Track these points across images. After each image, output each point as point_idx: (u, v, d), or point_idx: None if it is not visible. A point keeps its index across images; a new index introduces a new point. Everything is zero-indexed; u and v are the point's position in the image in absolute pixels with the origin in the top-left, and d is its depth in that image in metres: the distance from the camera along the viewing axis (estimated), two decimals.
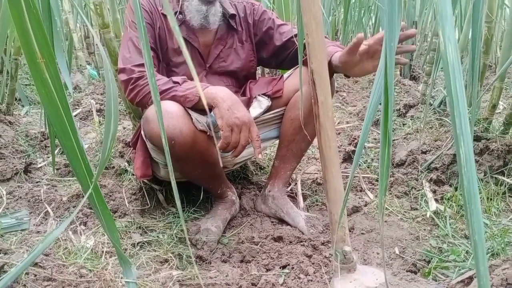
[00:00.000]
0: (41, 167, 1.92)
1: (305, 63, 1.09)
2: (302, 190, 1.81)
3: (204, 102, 0.65)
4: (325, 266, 1.28)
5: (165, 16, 1.51)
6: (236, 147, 1.31)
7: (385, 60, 0.67)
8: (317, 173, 1.98)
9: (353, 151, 2.04)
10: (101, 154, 0.94)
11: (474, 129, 1.76)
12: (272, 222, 1.62)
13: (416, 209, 1.60)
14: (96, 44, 3.74)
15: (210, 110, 1.33)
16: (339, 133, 2.43)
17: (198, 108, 1.34)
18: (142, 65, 1.38)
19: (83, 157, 0.86)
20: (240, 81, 1.66)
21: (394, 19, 0.64)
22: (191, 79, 1.38)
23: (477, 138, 1.73)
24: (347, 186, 0.84)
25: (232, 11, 1.57)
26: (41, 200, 1.60)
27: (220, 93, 1.31)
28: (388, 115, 0.70)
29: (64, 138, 0.83)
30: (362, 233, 1.48)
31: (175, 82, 1.35)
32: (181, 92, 1.32)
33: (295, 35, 1.52)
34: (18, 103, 2.79)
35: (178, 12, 1.51)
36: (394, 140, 2.08)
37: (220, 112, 1.29)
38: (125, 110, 1.97)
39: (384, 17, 0.64)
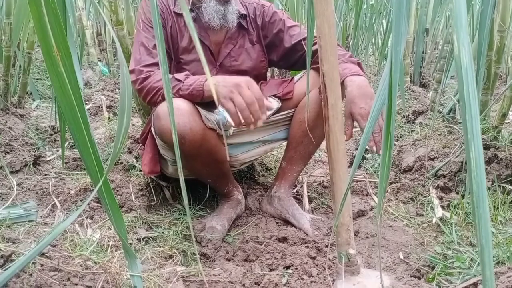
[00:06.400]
0: (50, 160, 1.94)
1: (315, 68, 1.09)
2: (308, 192, 1.81)
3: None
4: (329, 268, 1.28)
5: (176, 15, 1.52)
6: (246, 117, 1.25)
7: (390, 65, 0.67)
8: (323, 176, 1.98)
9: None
10: (112, 148, 0.95)
11: (482, 137, 1.76)
12: (277, 223, 1.62)
13: (422, 215, 1.59)
14: (112, 41, 3.77)
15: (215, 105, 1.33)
16: None
17: (205, 101, 1.34)
18: (150, 65, 1.40)
19: (94, 150, 0.87)
20: None
21: (401, 24, 0.65)
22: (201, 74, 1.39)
23: (486, 147, 1.72)
24: (347, 187, 0.84)
25: (243, 11, 1.58)
26: (49, 192, 1.61)
27: (216, 78, 1.31)
28: (391, 118, 0.70)
29: (76, 131, 0.85)
30: (367, 237, 1.48)
31: (178, 80, 1.35)
32: (186, 90, 1.33)
33: (304, 39, 1.52)
34: (29, 97, 2.82)
35: (190, 10, 1.52)
36: (402, 146, 2.08)
37: (218, 93, 1.26)
38: (134, 108, 1.99)
39: (392, 22, 0.65)
